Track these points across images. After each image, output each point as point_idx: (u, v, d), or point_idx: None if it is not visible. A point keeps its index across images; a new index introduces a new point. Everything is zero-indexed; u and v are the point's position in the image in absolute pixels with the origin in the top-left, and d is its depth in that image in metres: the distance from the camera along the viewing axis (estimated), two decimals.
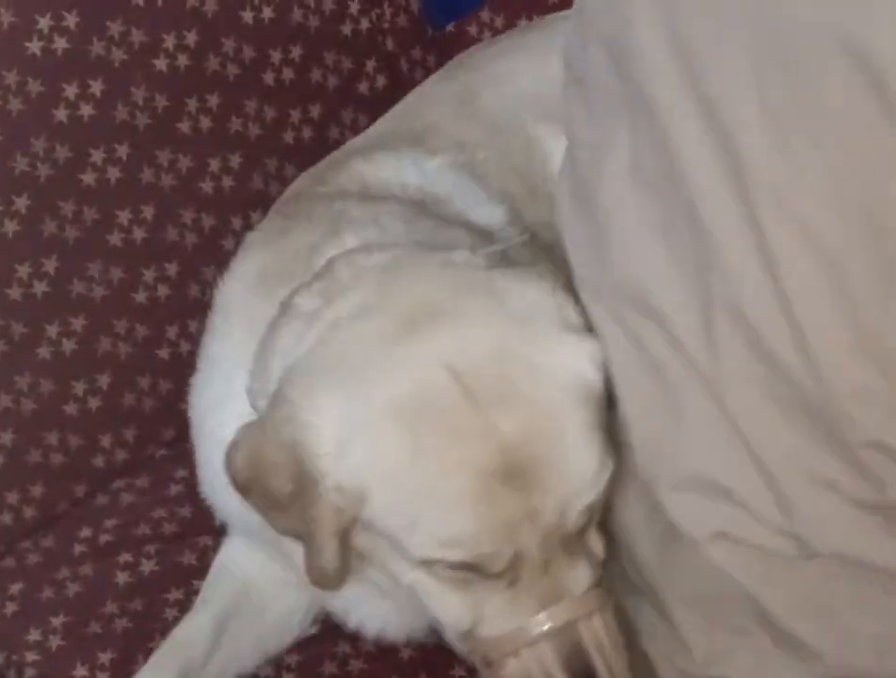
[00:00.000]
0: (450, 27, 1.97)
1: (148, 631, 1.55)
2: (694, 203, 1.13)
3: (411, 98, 1.76)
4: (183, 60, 1.70)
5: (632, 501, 1.24)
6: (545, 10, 2.05)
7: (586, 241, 1.26)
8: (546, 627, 1.22)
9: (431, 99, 1.73)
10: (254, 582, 1.47)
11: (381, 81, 1.92)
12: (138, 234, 1.72)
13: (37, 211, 1.63)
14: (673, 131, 1.14)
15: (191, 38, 1.70)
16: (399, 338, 1.22)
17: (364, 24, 1.88)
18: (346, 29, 1.86)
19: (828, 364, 1.07)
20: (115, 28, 1.63)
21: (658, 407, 1.20)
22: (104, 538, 1.67)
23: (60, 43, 1.59)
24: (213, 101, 1.74)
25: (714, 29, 1.11)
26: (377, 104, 1.91)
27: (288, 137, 1.84)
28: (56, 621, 1.58)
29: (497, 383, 1.19)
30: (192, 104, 1.73)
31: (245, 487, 1.29)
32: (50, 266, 1.65)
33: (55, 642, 1.56)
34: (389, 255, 1.31)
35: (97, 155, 1.66)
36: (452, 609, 1.25)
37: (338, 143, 1.88)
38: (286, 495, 1.24)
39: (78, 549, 1.66)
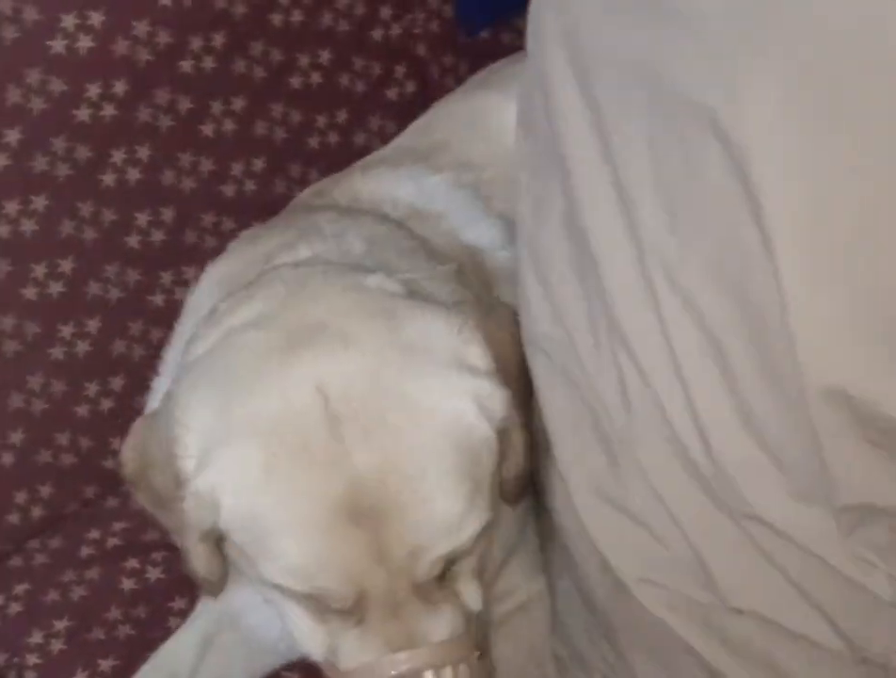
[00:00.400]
0: (483, 34, 1.94)
1: (150, 639, 1.53)
2: (599, 266, 1.13)
3: (431, 112, 1.74)
4: (209, 63, 1.68)
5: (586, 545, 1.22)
6: None
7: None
8: (393, 671, 1.17)
9: (446, 115, 1.72)
10: (247, 602, 1.41)
11: (411, 87, 1.89)
12: (157, 236, 1.70)
13: (55, 211, 1.62)
14: (581, 193, 1.14)
15: (218, 40, 1.68)
16: (279, 353, 1.19)
17: (396, 29, 1.84)
18: (377, 34, 1.83)
19: (716, 436, 1.07)
20: (141, 28, 1.62)
21: (592, 452, 1.19)
22: (111, 541, 1.66)
23: (85, 42, 1.56)
24: (238, 104, 1.72)
25: (619, 95, 1.10)
26: (406, 111, 1.89)
27: (314, 142, 1.81)
28: (60, 625, 1.57)
29: (365, 413, 1.14)
30: (216, 106, 1.71)
31: (132, 480, 1.29)
32: (66, 266, 1.64)
33: (56, 646, 1.55)
34: (309, 270, 1.29)
35: (117, 156, 1.64)
36: (307, 636, 1.22)
37: (364, 149, 1.86)
38: (167, 492, 1.23)
39: (85, 551, 1.65)
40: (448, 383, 1.18)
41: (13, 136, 1.56)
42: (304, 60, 1.77)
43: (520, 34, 2.01)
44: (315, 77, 1.79)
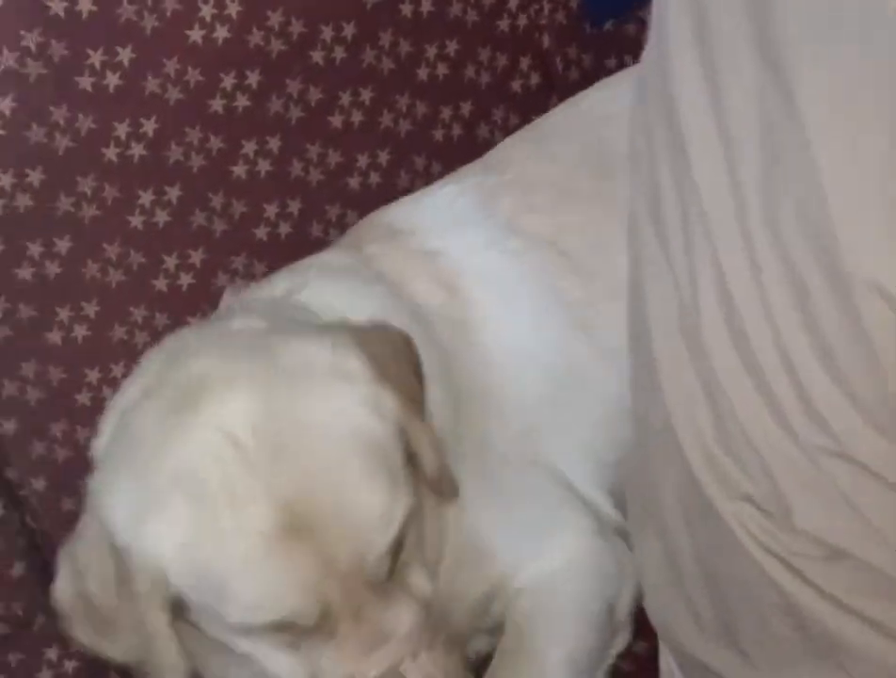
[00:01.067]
0: (608, 26, 1.90)
1: None
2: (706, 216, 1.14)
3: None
4: (339, 53, 1.67)
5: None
6: None
7: None
8: (372, 673, 1.21)
9: (523, 132, 1.68)
10: None
11: (535, 79, 1.85)
12: (283, 229, 1.70)
13: (187, 202, 1.61)
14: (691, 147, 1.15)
15: (349, 30, 1.66)
16: (174, 413, 1.23)
17: (522, 20, 1.81)
18: (504, 25, 1.80)
19: (803, 372, 1.08)
20: (274, 19, 1.60)
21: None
22: None
23: (221, 33, 1.55)
24: (366, 95, 1.70)
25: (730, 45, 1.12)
26: (529, 103, 1.87)
27: (438, 134, 1.79)
28: None
29: (270, 442, 1.19)
30: (345, 98, 1.69)
31: (70, 612, 1.30)
32: (196, 258, 1.63)
33: None
34: (185, 333, 1.39)
35: (249, 147, 1.63)
36: (288, 672, 1.25)
37: (487, 142, 1.83)
38: (110, 599, 1.25)
39: None
40: (335, 393, 1.23)
41: (150, 125, 1.55)
42: (431, 51, 1.75)
43: (644, 25, 2.00)
44: (442, 69, 1.76)
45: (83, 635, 1.31)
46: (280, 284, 1.48)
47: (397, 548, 1.24)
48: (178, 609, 1.24)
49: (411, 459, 1.29)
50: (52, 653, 1.61)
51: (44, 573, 1.62)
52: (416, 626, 1.24)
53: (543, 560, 1.41)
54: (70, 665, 1.60)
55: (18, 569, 1.60)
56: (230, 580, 1.18)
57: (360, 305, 1.41)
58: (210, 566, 1.19)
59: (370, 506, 1.20)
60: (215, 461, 1.19)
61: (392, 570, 1.24)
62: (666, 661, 1.33)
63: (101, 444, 1.34)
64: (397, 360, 1.32)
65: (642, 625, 1.40)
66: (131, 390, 1.34)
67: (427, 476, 1.31)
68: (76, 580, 1.29)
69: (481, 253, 1.49)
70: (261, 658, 1.25)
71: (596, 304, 1.49)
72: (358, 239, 1.56)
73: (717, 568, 1.18)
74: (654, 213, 1.19)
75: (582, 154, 1.57)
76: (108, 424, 1.35)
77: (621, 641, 1.41)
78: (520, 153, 1.60)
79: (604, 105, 1.62)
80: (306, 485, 1.18)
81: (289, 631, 1.21)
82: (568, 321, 1.49)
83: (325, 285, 1.46)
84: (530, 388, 1.46)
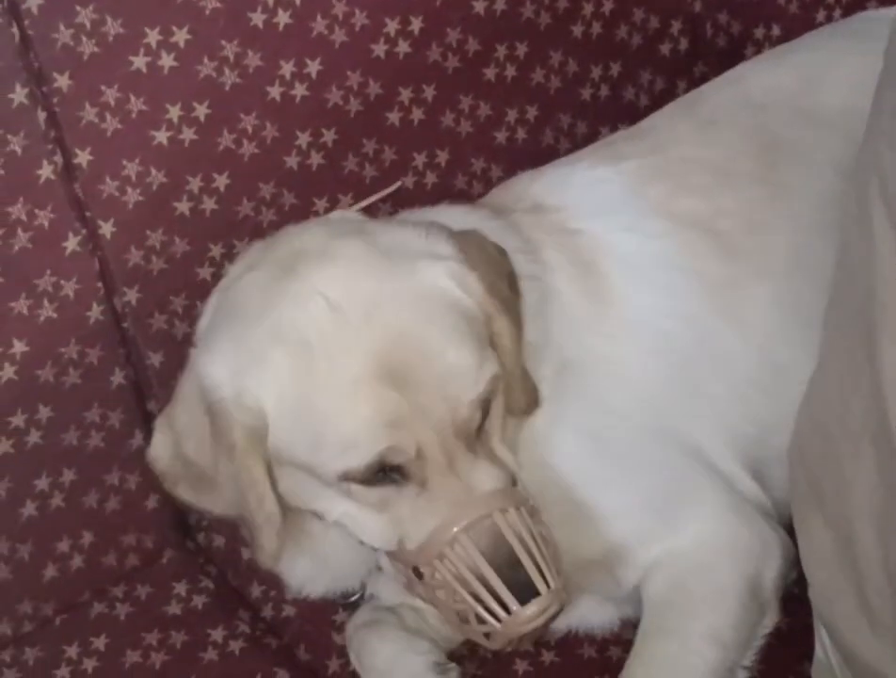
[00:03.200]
0: None
1: None
2: None
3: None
4: (500, 5, 1.64)
5: None
6: None
7: None
8: (462, 523, 1.26)
9: (683, 107, 1.65)
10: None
11: (683, 44, 1.84)
12: (430, 178, 1.68)
13: (341, 147, 1.60)
14: None
15: None
16: (277, 280, 1.31)
17: None
18: None
19: None
20: None
21: None
22: None
23: None
24: (521, 49, 1.68)
25: None
26: (676, 68, 1.86)
27: (585, 93, 1.77)
28: None
29: (363, 302, 1.27)
30: (501, 50, 1.67)
31: (167, 472, 1.37)
32: (345, 203, 1.61)
33: None
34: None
35: (405, 94, 1.62)
36: (378, 531, 1.30)
37: (631, 105, 1.83)
38: (207, 456, 1.31)
39: None
40: (425, 266, 1.31)
41: (314, 67, 1.54)
42: (589, 8, 1.73)
43: None
44: (596, 27, 1.74)
45: (183, 492, 1.39)
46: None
47: (485, 409, 1.29)
48: (275, 464, 1.30)
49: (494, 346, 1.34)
50: (180, 588, 1.61)
51: (175, 508, 1.64)
52: (506, 490, 1.29)
53: (677, 535, 1.40)
54: (198, 600, 1.60)
55: (152, 502, 1.62)
56: (324, 426, 1.24)
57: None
58: (308, 411, 1.25)
59: (459, 360, 1.27)
60: (312, 319, 1.26)
61: (481, 430, 1.30)
62: (824, 649, 1.31)
63: (203, 322, 1.40)
64: (489, 263, 1.37)
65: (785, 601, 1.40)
66: (233, 271, 1.40)
67: (507, 369, 1.34)
68: (174, 442, 1.36)
69: (621, 234, 1.50)
70: (353, 522, 1.30)
71: (741, 285, 1.49)
72: (503, 204, 1.56)
73: None
74: (884, 194, 1.16)
75: (744, 139, 1.55)
76: (210, 303, 1.40)
77: (769, 621, 1.39)
78: (683, 131, 1.57)
79: (768, 94, 1.59)
80: (397, 339, 1.25)
81: (383, 482, 1.26)
82: (707, 301, 1.48)
83: (456, 214, 1.49)
84: (658, 361, 1.45)
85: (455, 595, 1.26)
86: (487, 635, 1.28)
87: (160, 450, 1.38)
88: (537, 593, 1.25)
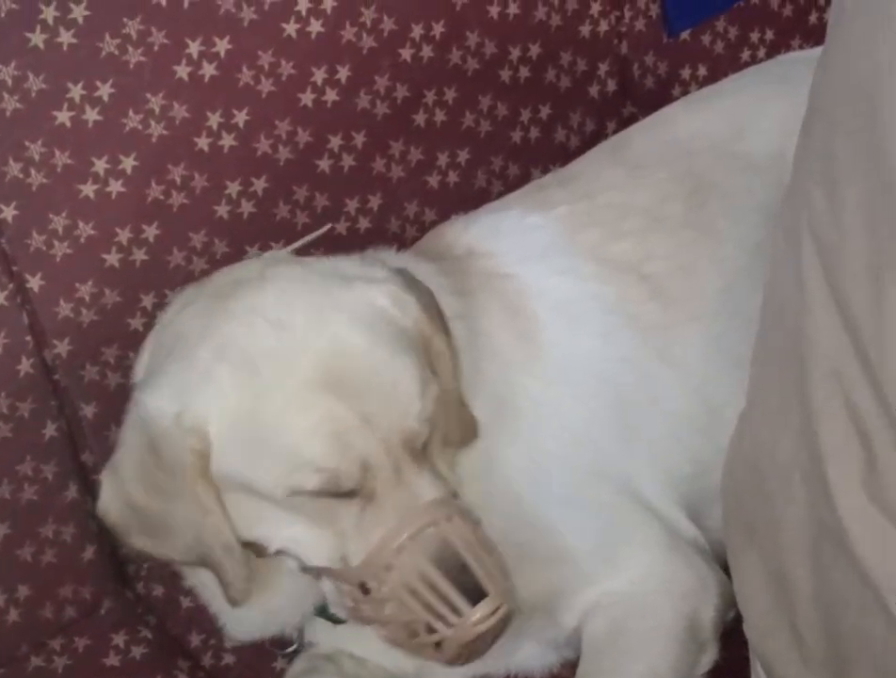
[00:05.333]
0: (685, 35, 1.91)
1: None
2: None
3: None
4: (427, 52, 1.67)
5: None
6: (780, 25, 2.00)
7: None
8: (408, 532, 1.25)
9: (610, 151, 1.68)
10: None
11: (611, 86, 1.86)
12: (363, 223, 1.70)
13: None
14: None
15: (438, 29, 1.66)
16: (215, 306, 1.32)
17: (603, 25, 1.82)
18: (585, 30, 1.81)
19: None
20: (367, 15, 1.60)
21: None
22: None
23: (315, 27, 1.56)
24: (450, 94, 1.71)
25: None
26: (605, 109, 1.88)
27: (516, 136, 1.80)
28: None
29: (304, 317, 1.28)
30: (430, 96, 1.69)
31: (122, 524, 1.35)
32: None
33: None
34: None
35: (335, 142, 1.63)
36: (323, 549, 1.29)
37: (562, 145, 1.86)
38: (156, 498, 1.29)
39: None
40: (362, 285, 1.33)
41: (241, 117, 1.55)
42: (515, 53, 1.75)
43: (719, 37, 2.02)
44: (524, 71, 1.77)
45: (138, 542, 1.36)
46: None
47: (430, 427, 1.29)
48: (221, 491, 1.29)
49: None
50: (119, 639, 1.61)
51: (113, 558, 1.64)
52: (449, 500, 1.29)
53: (616, 577, 1.41)
54: (137, 651, 1.60)
55: (88, 553, 1.61)
56: (270, 434, 1.24)
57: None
58: (252, 424, 1.25)
59: (404, 369, 1.27)
60: (254, 335, 1.27)
61: (426, 447, 1.29)
62: None
63: (140, 366, 1.40)
64: (422, 300, 1.38)
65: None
66: (168, 313, 1.41)
67: (446, 392, 1.34)
68: (122, 490, 1.34)
69: (554, 278, 1.52)
70: (296, 544, 1.29)
71: (674, 327, 1.51)
72: (437, 250, 1.57)
73: (843, 619, 1.15)
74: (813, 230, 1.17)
75: (673, 183, 1.58)
76: (146, 346, 1.41)
77: (708, 659, 1.41)
78: (613, 176, 1.60)
79: (696, 139, 1.62)
80: (340, 350, 1.26)
81: (329, 496, 1.24)
82: (641, 342, 1.50)
83: (389, 258, 1.50)
84: (594, 403, 1.47)
85: (403, 607, 1.25)
86: (438, 645, 1.26)
87: (109, 502, 1.35)
88: (487, 595, 1.24)
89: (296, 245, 1.48)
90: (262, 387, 1.25)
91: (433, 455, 1.33)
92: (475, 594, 1.24)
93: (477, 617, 1.23)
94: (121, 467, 1.34)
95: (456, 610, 1.24)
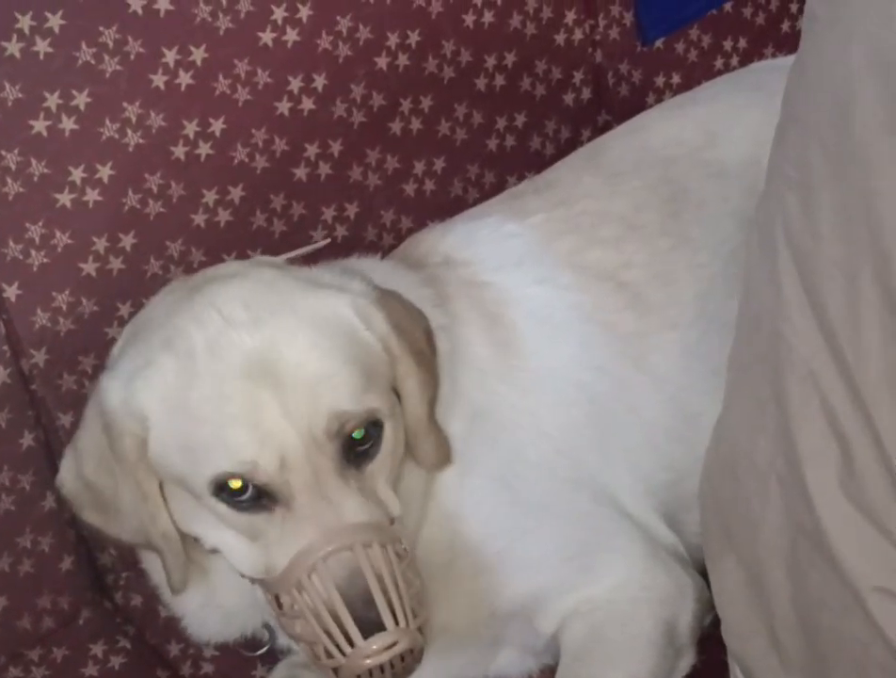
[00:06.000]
0: (658, 44, 1.93)
1: None
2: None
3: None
4: (403, 60, 1.68)
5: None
6: (753, 33, 2.03)
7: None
8: (323, 551, 1.24)
9: (586, 159, 1.68)
10: None
11: (586, 94, 1.88)
12: (340, 231, 1.71)
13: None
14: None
15: (413, 38, 1.67)
16: (183, 298, 1.35)
17: (578, 34, 1.83)
18: (560, 39, 1.82)
19: None
20: (343, 24, 1.61)
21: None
22: None
23: (291, 36, 1.57)
24: (426, 103, 1.72)
25: None
26: (580, 117, 1.90)
27: (492, 144, 1.81)
28: None
29: (257, 314, 1.29)
30: (406, 104, 1.70)
31: (75, 497, 1.38)
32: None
33: None
34: None
35: (311, 150, 1.63)
36: (248, 558, 1.30)
37: (538, 153, 1.87)
38: (106, 477, 1.32)
39: None
40: (330, 294, 1.34)
41: (217, 125, 1.55)
42: (491, 62, 1.76)
43: (692, 46, 2.03)
44: (499, 79, 1.78)
45: (89, 517, 1.39)
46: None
47: (362, 448, 1.28)
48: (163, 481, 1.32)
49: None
50: (97, 649, 1.61)
51: (91, 568, 1.64)
52: (375, 525, 1.27)
53: (593, 583, 1.41)
54: (116, 661, 1.60)
55: (66, 563, 1.61)
56: (196, 422, 1.26)
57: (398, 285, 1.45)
58: (183, 412, 1.27)
59: (333, 368, 1.27)
60: (203, 328, 1.29)
61: (362, 466, 1.28)
62: None
63: (116, 348, 1.41)
64: (409, 317, 1.38)
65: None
66: (151, 302, 1.42)
67: (407, 420, 1.35)
68: (77, 465, 1.37)
69: (532, 287, 1.52)
70: (228, 550, 1.31)
71: (651, 335, 1.52)
72: (415, 258, 1.57)
73: (821, 622, 1.16)
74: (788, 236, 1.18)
75: (648, 191, 1.58)
76: (123, 333, 1.42)
77: (686, 664, 1.41)
78: (588, 183, 1.60)
79: (671, 146, 1.62)
80: (276, 344, 1.27)
81: (252, 508, 1.25)
82: (618, 351, 1.51)
83: (369, 265, 1.50)
84: (572, 411, 1.48)
85: (308, 627, 1.25)
86: (336, 671, 1.26)
87: (65, 474, 1.39)
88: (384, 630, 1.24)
89: (290, 255, 1.48)
90: (195, 377, 1.27)
91: (376, 477, 1.31)
92: (372, 627, 1.23)
93: (369, 650, 1.23)
94: (80, 443, 1.37)
95: (350, 641, 1.23)
